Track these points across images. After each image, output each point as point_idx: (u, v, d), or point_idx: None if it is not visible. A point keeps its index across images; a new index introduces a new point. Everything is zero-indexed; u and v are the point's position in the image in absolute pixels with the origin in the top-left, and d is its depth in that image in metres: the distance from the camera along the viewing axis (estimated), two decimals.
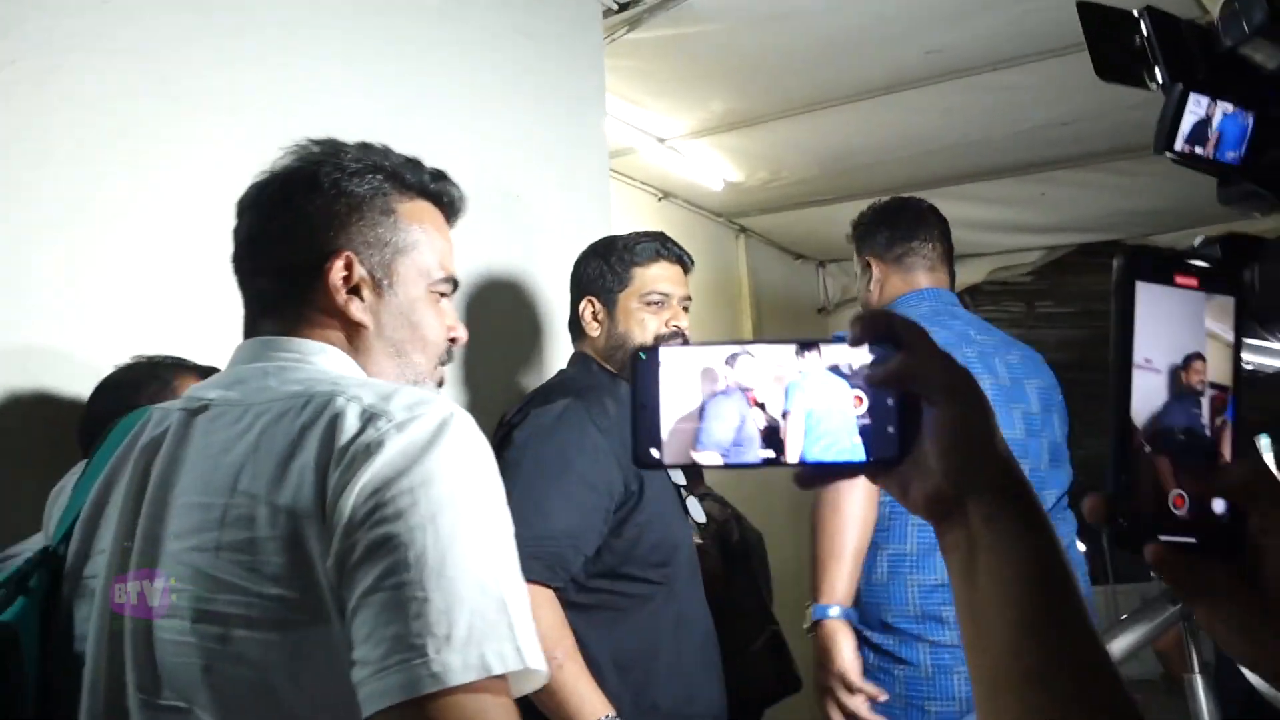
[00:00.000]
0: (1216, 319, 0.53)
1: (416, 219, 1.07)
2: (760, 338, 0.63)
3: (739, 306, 4.29)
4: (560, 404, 1.82)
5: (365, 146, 1.07)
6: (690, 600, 1.87)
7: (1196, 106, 0.68)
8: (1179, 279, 0.53)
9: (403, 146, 1.12)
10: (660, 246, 1.96)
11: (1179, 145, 0.68)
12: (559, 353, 2.23)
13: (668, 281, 1.95)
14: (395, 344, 1.04)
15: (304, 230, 1.01)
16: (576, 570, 1.73)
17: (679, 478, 2.00)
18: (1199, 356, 0.52)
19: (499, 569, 0.82)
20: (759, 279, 4.38)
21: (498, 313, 2.17)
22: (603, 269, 1.96)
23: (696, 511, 2.03)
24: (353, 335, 1.02)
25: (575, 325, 2.01)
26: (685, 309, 1.99)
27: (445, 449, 0.83)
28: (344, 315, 1.01)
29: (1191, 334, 0.52)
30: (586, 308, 1.97)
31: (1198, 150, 0.69)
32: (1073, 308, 5.48)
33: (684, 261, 2.00)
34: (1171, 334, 0.52)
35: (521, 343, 2.25)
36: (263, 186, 1.04)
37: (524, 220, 2.29)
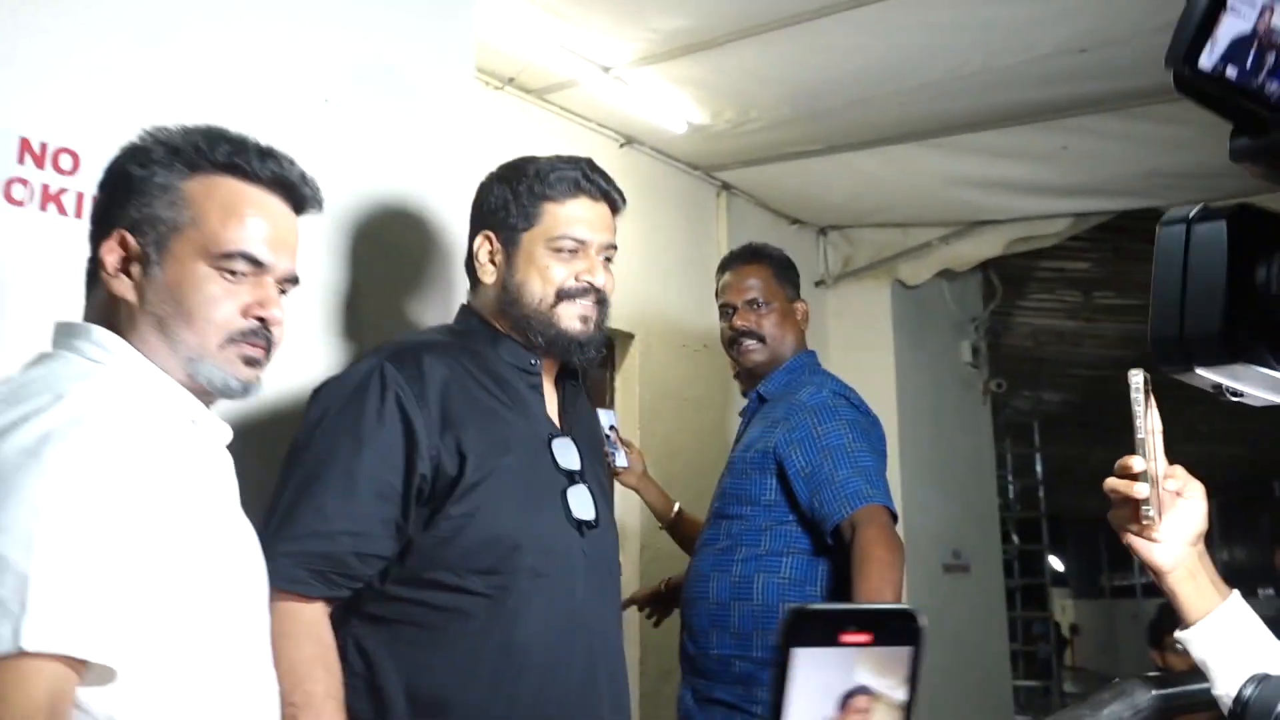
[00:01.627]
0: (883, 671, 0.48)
1: (203, 196, 1.11)
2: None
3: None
4: (367, 364, 1.45)
5: (160, 127, 1.12)
6: (541, 626, 1.43)
7: (1244, 6, 0.48)
8: (845, 639, 0.48)
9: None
10: (581, 178, 1.56)
11: (1206, 60, 0.47)
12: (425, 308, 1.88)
13: (585, 225, 1.55)
14: (159, 320, 1.09)
15: (96, 213, 1.13)
16: (368, 574, 1.39)
17: (572, 461, 1.55)
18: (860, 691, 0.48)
19: (40, 547, 0.88)
20: None
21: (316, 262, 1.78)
22: (507, 199, 1.57)
23: (583, 506, 1.53)
24: (125, 312, 1.09)
25: (470, 267, 1.63)
26: (608, 260, 1.58)
27: (41, 469, 0.91)
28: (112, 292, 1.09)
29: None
30: (483, 245, 1.60)
31: (1231, 72, 0.49)
32: (1136, 299, 4.90)
33: (612, 199, 1.59)
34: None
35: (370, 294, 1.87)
36: None
37: (341, 134, 1.86)
